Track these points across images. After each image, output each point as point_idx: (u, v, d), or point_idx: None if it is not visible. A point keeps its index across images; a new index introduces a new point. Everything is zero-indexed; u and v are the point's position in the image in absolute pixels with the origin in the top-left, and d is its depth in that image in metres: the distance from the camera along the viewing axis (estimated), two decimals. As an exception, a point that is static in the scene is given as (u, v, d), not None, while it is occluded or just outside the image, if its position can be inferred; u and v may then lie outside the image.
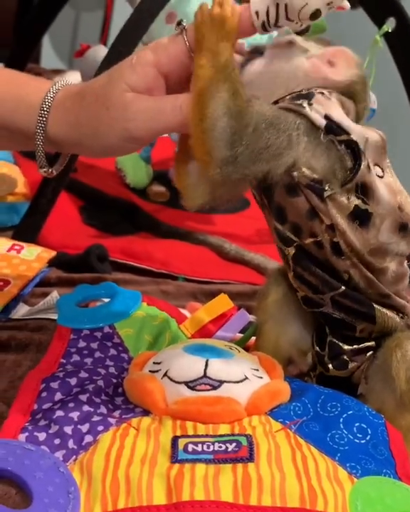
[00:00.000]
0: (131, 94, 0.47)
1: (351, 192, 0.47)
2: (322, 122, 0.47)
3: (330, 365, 0.53)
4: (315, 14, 0.47)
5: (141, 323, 0.57)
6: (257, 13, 0.47)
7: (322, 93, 0.48)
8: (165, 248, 0.85)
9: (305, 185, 0.47)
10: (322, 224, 0.48)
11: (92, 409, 0.46)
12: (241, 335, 0.61)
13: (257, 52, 0.51)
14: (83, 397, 0.47)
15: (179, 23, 0.48)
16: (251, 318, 0.62)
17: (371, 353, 0.52)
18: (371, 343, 0.52)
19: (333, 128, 0.47)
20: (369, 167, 0.47)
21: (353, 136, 0.47)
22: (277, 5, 0.47)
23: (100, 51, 1.01)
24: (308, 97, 0.48)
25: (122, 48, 0.76)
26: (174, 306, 0.62)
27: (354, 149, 0.47)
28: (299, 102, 0.47)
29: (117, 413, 0.47)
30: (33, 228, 0.76)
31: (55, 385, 0.48)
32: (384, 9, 0.91)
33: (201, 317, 0.60)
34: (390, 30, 0.89)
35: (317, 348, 0.54)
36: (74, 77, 1.28)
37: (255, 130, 0.46)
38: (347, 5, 0.50)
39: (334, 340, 0.53)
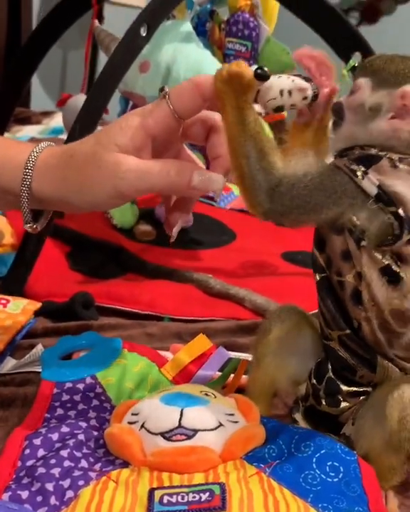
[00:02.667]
0: (122, 155, 0.49)
1: (387, 252, 0.49)
2: (373, 191, 0.48)
3: (324, 401, 0.55)
4: (279, 109, 0.51)
5: (122, 371, 0.59)
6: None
7: (391, 159, 0.49)
8: (150, 289, 0.87)
9: (347, 228, 0.49)
10: (353, 269, 0.50)
11: (73, 464, 0.48)
12: (220, 373, 0.63)
13: (336, 113, 0.53)
14: (64, 453, 0.49)
15: (162, 90, 0.50)
16: (231, 354, 0.64)
17: (364, 397, 0.54)
18: (369, 389, 0.54)
19: (383, 198, 0.48)
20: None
21: (401, 211, 0.48)
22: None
23: (81, 99, 1.04)
24: (370, 162, 0.49)
25: (98, 100, 0.80)
26: (154, 350, 0.64)
27: (403, 221, 0.48)
28: (356, 167, 0.48)
29: (97, 466, 0.49)
30: (19, 280, 0.78)
31: (37, 441, 0.50)
32: (349, 44, 0.94)
33: (182, 359, 0.62)
34: (356, 65, 0.92)
35: (315, 381, 0.55)
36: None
37: (293, 186, 0.48)
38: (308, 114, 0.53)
39: (334, 378, 0.54)
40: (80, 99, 1.02)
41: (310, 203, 0.49)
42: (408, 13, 2.82)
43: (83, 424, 0.53)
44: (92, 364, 0.59)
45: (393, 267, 0.49)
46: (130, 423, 0.51)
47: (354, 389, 0.54)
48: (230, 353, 0.65)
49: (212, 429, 0.49)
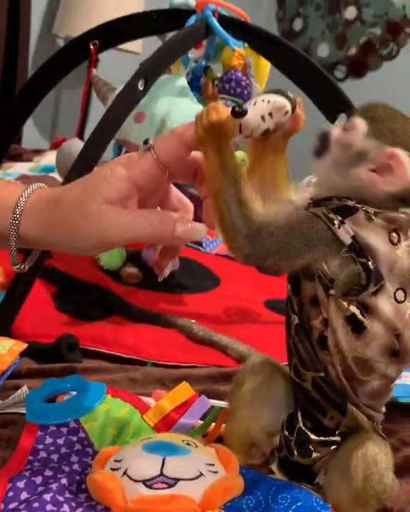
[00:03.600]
0: (106, 206, 0.50)
1: (353, 302, 0.50)
2: (347, 241, 0.50)
3: (295, 451, 0.56)
4: (266, 132, 0.51)
5: (105, 416, 0.60)
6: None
7: (367, 212, 0.51)
8: (135, 333, 0.88)
9: (317, 275, 0.51)
10: (320, 315, 0.51)
11: (55, 509, 0.49)
12: (202, 422, 0.64)
13: (321, 140, 0.53)
14: (47, 497, 0.49)
15: (146, 142, 0.52)
16: (213, 402, 0.66)
17: (334, 447, 0.55)
18: (337, 438, 0.55)
19: (356, 249, 0.50)
20: (377, 292, 0.50)
21: (370, 263, 0.49)
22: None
23: (75, 144, 1.07)
24: (347, 213, 0.50)
25: (94, 151, 0.83)
26: (137, 397, 0.66)
27: (370, 273, 0.50)
28: (333, 216, 0.50)
29: (79, 511, 0.49)
30: (7, 320, 0.80)
31: (21, 484, 0.51)
32: (335, 106, 0.98)
33: (164, 406, 0.63)
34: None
35: (286, 433, 0.56)
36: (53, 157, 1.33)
37: (273, 233, 0.50)
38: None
39: (304, 428, 0.55)
40: (74, 144, 1.05)
41: (289, 249, 0.50)
42: (394, 69, 2.92)
43: (66, 468, 0.54)
44: (76, 408, 0.60)
45: (358, 316, 0.50)
46: (113, 469, 0.52)
47: (324, 438, 0.55)
48: (211, 401, 0.67)
49: (193, 479, 0.50)
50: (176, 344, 0.89)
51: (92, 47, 1.08)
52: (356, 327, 0.51)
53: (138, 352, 0.84)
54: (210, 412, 0.64)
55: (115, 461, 0.52)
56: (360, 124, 0.52)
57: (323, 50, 3.11)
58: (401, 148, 0.51)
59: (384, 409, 0.57)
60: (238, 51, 1.00)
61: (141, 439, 0.54)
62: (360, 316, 0.50)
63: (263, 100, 0.51)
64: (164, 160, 0.51)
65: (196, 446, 0.54)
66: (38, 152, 1.78)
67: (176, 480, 0.50)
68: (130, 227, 0.50)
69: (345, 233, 0.50)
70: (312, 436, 0.55)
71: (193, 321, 0.96)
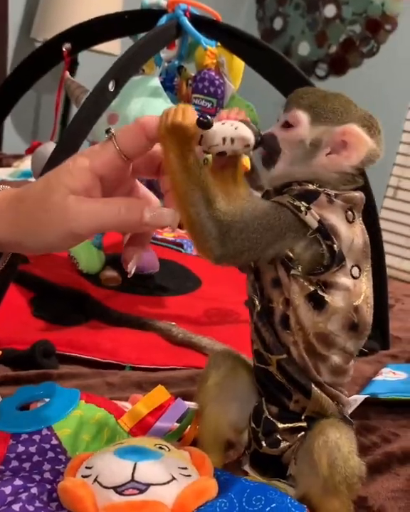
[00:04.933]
0: (71, 197, 0.49)
1: (314, 280, 0.52)
2: (314, 225, 0.51)
3: (263, 443, 0.56)
4: (221, 154, 0.52)
5: (78, 423, 0.60)
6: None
7: (328, 194, 0.52)
8: (112, 337, 0.88)
9: (280, 258, 0.52)
10: (282, 296, 0.52)
11: (24, 519, 0.48)
12: (178, 424, 0.63)
13: (261, 142, 0.53)
14: (16, 507, 0.48)
15: (108, 131, 0.51)
16: (190, 404, 0.65)
17: (302, 434, 0.55)
18: (303, 424, 0.56)
19: (322, 231, 0.51)
20: (340, 269, 0.52)
21: (336, 246, 0.51)
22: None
23: (49, 148, 1.06)
24: (311, 198, 0.52)
25: (65, 153, 0.82)
26: (112, 402, 0.65)
27: (335, 254, 0.51)
28: (298, 203, 0.51)
29: (50, 520, 0.49)
30: (-19, 327, 0.79)
31: (-10, 494, 0.50)
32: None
33: (139, 410, 0.62)
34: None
35: (253, 425, 0.57)
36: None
37: (242, 230, 0.50)
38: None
39: (270, 417, 0.56)
40: (48, 148, 1.04)
41: (260, 243, 0.51)
42: (375, 65, 2.93)
43: (37, 477, 0.53)
44: (48, 415, 0.60)
45: (319, 292, 0.52)
46: (84, 476, 0.51)
47: (290, 425, 0.56)
48: (188, 403, 0.66)
49: (164, 483, 0.49)
50: (155, 347, 0.88)
51: (64, 49, 1.07)
52: (317, 303, 0.52)
53: (116, 356, 0.84)
54: (186, 415, 0.64)
55: (86, 467, 0.52)
56: (302, 115, 0.53)
57: (304, 49, 3.11)
58: (349, 122, 0.52)
59: (346, 393, 0.57)
60: (210, 50, 0.99)
61: (113, 445, 0.54)
62: (321, 292, 0.52)
63: (232, 125, 0.51)
64: (126, 150, 0.50)
65: (169, 450, 0.54)
66: (18, 157, 1.77)
67: (148, 485, 0.49)
68: (97, 215, 0.50)
69: (312, 218, 0.51)
70: (279, 425, 0.56)
71: (172, 323, 0.95)
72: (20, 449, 0.57)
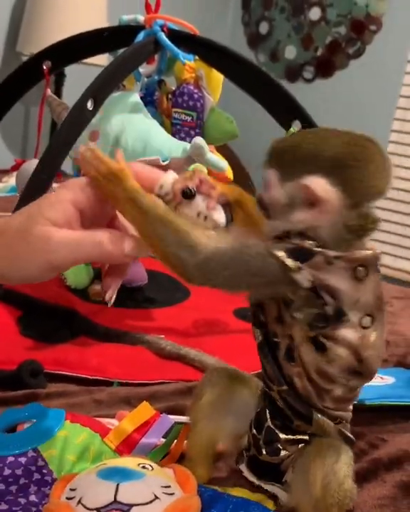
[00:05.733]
0: (52, 228, 0.50)
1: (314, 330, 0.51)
2: (305, 284, 0.48)
3: (263, 450, 0.57)
4: (185, 193, 0.52)
5: (63, 443, 0.60)
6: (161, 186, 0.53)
7: (327, 256, 0.48)
8: (99, 353, 0.88)
9: (282, 298, 0.50)
10: (285, 331, 0.52)
11: (9, 543, 0.49)
12: (164, 440, 0.64)
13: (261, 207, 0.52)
14: (2, 531, 0.49)
15: None
16: (178, 418, 0.66)
17: (302, 445, 0.56)
18: (305, 437, 0.56)
19: (316, 292, 0.48)
20: (339, 325, 0.50)
21: (329, 308, 0.49)
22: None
23: (34, 165, 1.07)
24: (305, 257, 0.48)
25: (45, 173, 0.83)
26: (97, 420, 0.65)
27: (329, 315, 0.49)
28: (291, 262, 0.48)
29: (34, 543, 0.49)
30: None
31: (-25, 520, 0.51)
32: (289, 114, 0.99)
33: (125, 427, 0.63)
34: (296, 132, 0.98)
35: (255, 431, 0.57)
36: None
37: (227, 266, 0.49)
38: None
39: (272, 427, 0.56)
40: (32, 165, 1.04)
41: (245, 284, 0.50)
42: (361, 66, 2.94)
43: (22, 500, 0.54)
44: (34, 437, 0.60)
45: (320, 338, 0.51)
46: (68, 498, 0.52)
47: (292, 437, 0.56)
48: (176, 417, 0.67)
49: (147, 503, 0.50)
50: (142, 361, 0.89)
51: (44, 67, 1.08)
52: (318, 347, 0.51)
53: (103, 372, 0.84)
54: (171, 430, 0.65)
55: (70, 489, 0.52)
56: (271, 175, 0.50)
57: (290, 52, 3.12)
58: (312, 174, 0.48)
59: (351, 407, 0.57)
60: (189, 64, 1.00)
61: (95, 466, 0.54)
62: (322, 339, 0.51)
63: (216, 208, 0.52)
64: None
65: (152, 469, 0.54)
66: (6, 172, 1.77)
67: (130, 506, 0.50)
68: (78, 247, 0.50)
69: (303, 278, 0.48)
70: (281, 435, 0.56)
71: (161, 336, 0.96)
72: (7, 471, 0.57)
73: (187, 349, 0.93)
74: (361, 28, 2.92)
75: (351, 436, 0.57)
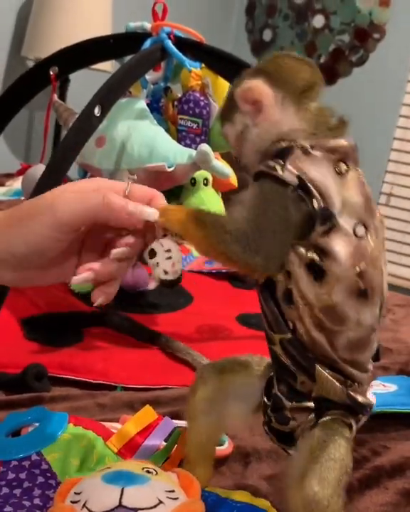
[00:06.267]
0: (57, 190, 0.51)
1: (310, 246, 0.48)
2: (293, 181, 0.47)
3: (273, 418, 0.55)
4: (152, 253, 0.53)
5: (67, 446, 0.61)
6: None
7: (303, 147, 0.49)
8: (104, 357, 0.89)
9: None
10: (283, 267, 0.49)
11: (13, 546, 0.49)
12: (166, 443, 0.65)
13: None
14: (6, 534, 0.50)
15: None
16: (180, 423, 0.66)
17: (312, 416, 0.52)
18: (311, 404, 0.52)
19: (302, 187, 0.47)
20: (329, 231, 0.48)
21: (315, 201, 0.47)
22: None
23: (39, 170, 1.07)
24: (285, 154, 0.49)
25: (52, 179, 0.83)
26: (100, 424, 0.66)
27: (316, 211, 0.47)
28: (273, 163, 0.48)
29: (39, 546, 0.50)
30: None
31: (-20, 523, 0.51)
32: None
33: (127, 431, 0.64)
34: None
35: (265, 398, 0.56)
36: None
37: (257, 230, 0.48)
38: None
39: (279, 394, 0.54)
40: (38, 170, 1.05)
41: (284, 226, 0.48)
42: (364, 74, 2.95)
43: (27, 504, 0.54)
44: (37, 440, 0.61)
45: (317, 261, 0.48)
46: (73, 502, 0.52)
47: (297, 404, 0.53)
48: (177, 422, 0.68)
49: (151, 508, 0.50)
50: (146, 366, 0.89)
51: (51, 73, 1.09)
52: (317, 274, 0.48)
53: (107, 376, 0.85)
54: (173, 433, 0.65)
55: (75, 493, 0.53)
56: (224, 128, 0.55)
57: (294, 59, 3.13)
58: (255, 76, 0.52)
59: (371, 366, 0.53)
60: (195, 72, 1.01)
61: (100, 470, 0.55)
62: (319, 262, 0.48)
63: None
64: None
65: (156, 473, 0.55)
66: (10, 176, 1.78)
67: (135, 510, 0.50)
68: (82, 196, 0.50)
69: (290, 174, 0.48)
70: (287, 403, 0.53)
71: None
72: (11, 475, 0.58)
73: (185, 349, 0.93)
74: (365, 36, 2.93)
75: (361, 400, 0.52)
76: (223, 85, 1.05)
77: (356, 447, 0.78)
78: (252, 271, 0.50)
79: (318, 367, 0.50)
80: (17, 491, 0.56)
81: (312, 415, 0.52)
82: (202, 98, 1.00)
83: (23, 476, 0.58)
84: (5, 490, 0.56)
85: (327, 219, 0.47)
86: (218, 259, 0.51)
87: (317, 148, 0.49)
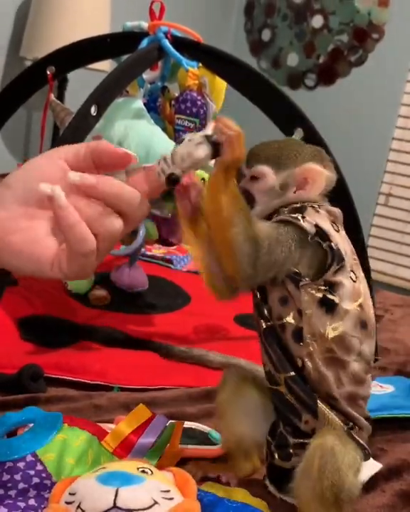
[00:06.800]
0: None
1: (321, 285, 0.57)
2: (312, 230, 0.57)
3: (276, 455, 0.60)
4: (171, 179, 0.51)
5: (62, 447, 0.60)
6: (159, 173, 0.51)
7: (313, 207, 0.60)
8: (101, 358, 0.88)
9: (287, 275, 0.57)
10: (292, 310, 0.57)
11: (6, 547, 0.48)
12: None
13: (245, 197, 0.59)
14: (0, 535, 0.49)
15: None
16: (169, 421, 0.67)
17: None
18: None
19: (319, 234, 0.58)
20: (339, 270, 0.57)
21: (334, 244, 0.58)
22: (165, 159, 0.51)
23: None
24: (302, 210, 0.59)
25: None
26: (95, 424, 0.66)
27: (334, 252, 0.57)
28: (295, 215, 0.58)
29: (32, 548, 0.49)
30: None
31: (-26, 524, 0.51)
32: (291, 121, 0.99)
33: (122, 430, 0.64)
34: (299, 139, 0.98)
35: (269, 438, 0.62)
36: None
37: (268, 250, 0.56)
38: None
39: (284, 432, 0.60)
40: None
41: (279, 261, 0.57)
42: (363, 74, 2.95)
43: (22, 505, 0.54)
44: (32, 441, 0.60)
45: (328, 295, 0.57)
46: (68, 503, 0.52)
47: (301, 440, 0.58)
48: (173, 422, 0.67)
49: (146, 508, 0.50)
50: (143, 367, 0.89)
51: (48, 72, 1.09)
52: (329, 307, 0.57)
53: (104, 377, 0.84)
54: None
55: (70, 494, 0.52)
56: (266, 169, 0.61)
57: (292, 59, 3.13)
58: (304, 163, 0.60)
59: (367, 413, 0.60)
60: (192, 71, 1.00)
61: (95, 470, 0.54)
62: (330, 295, 0.56)
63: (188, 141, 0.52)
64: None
65: (152, 473, 0.54)
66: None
67: (130, 511, 0.49)
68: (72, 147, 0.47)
69: (309, 224, 0.57)
70: (292, 440, 0.59)
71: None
72: (6, 477, 0.57)
73: (238, 359, 0.91)
74: (364, 36, 2.93)
75: (363, 443, 0.59)
76: (220, 85, 1.05)
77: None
78: (233, 271, 0.57)
79: (320, 403, 0.56)
80: (12, 492, 0.56)
81: None
82: (199, 97, 1.00)
83: (17, 477, 0.57)
84: (0, 491, 0.56)
85: (341, 259, 0.57)
86: (218, 238, 0.57)
87: (322, 208, 0.60)
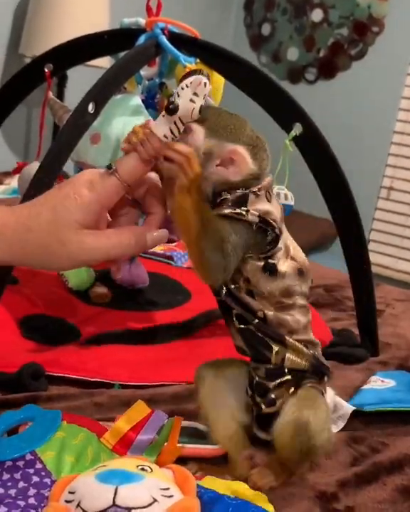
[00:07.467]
0: (84, 233, 0.54)
1: (262, 256, 0.62)
2: (256, 221, 0.61)
3: (262, 405, 0.66)
4: (169, 109, 0.56)
5: (61, 444, 0.61)
6: (165, 136, 0.57)
7: (253, 191, 0.61)
8: (101, 355, 0.88)
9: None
10: (241, 277, 0.63)
11: (7, 546, 0.49)
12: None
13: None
14: (0, 534, 0.50)
15: (109, 167, 0.56)
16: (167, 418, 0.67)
17: (292, 389, 0.65)
18: (289, 377, 0.65)
19: (263, 222, 0.61)
20: (276, 242, 0.62)
21: (277, 229, 0.62)
22: (174, 122, 0.56)
23: (35, 168, 1.07)
24: (244, 201, 0.61)
25: (46, 176, 0.83)
26: (94, 421, 0.66)
27: (277, 235, 0.62)
28: (238, 210, 0.60)
29: (32, 546, 0.49)
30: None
31: (-26, 523, 0.51)
32: (290, 116, 0.99)
33: (121, 427, 0.64)
34: (298, 134, 0.98)
35: (250, 391, 0.67)
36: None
37: (231, 251, 0.60)
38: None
39: (260, 380, 0.65)
40: (33, 168, 1.04)
41: (241, 255, 0.61)
42: (363, 68, 2.94)
43: (22, 503, 0.54)
44: (31, 439, 0.60)
45: (269, 260, 0.62)
46: (67, 501, 0.52)
47: (278, 381, 0.65)
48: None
49: (145, 506, 0.50)
50: (143, 364, 0.89)
51: (46, 70, 1.08)
52: (271, 271, 0.62)
53: (104, 374, 0.84)
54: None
55: (69, 492, 0.52)
56: (196, 127, 0.60)
57: (292, 54, 3.12)
58: (238, 143, 0.60)
59: (314, 339, 0.67)
60: (190, 67, 1.00)
61: (94, 468, 0.54)
62: (271, 260, 0.62)
63: (183, 87, 0.56)
64: (127, 180, 0.56)
65: (151, 471, 0.54)
66: (8, 174, 1.77)
67: (129, 509, 0.50)
68: (112, 249, 0.55)
69: (253, 216, 0.60)
70: (269, 383, 0.65)
71: None
72: (5, 476, 0.57)
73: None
74: (364, 30, 2.92)
75: (324, 361, 0.67)
76: (218, 80, 1.04)
77: (355, 444, 0.78)
78: (207, 278, 0.61)
79: (286, 336, 0.64)
80: (12, 491, 0.56)
81: (292, 388, 0.65)
82: (197, 94, 0.99)
83: (17, 476, 0.57)
84: (0, 490, 0.56)
85: (279, 239, 0.63)
86: (190, 246, 0.61)
87: (261, 190, 0.62)
